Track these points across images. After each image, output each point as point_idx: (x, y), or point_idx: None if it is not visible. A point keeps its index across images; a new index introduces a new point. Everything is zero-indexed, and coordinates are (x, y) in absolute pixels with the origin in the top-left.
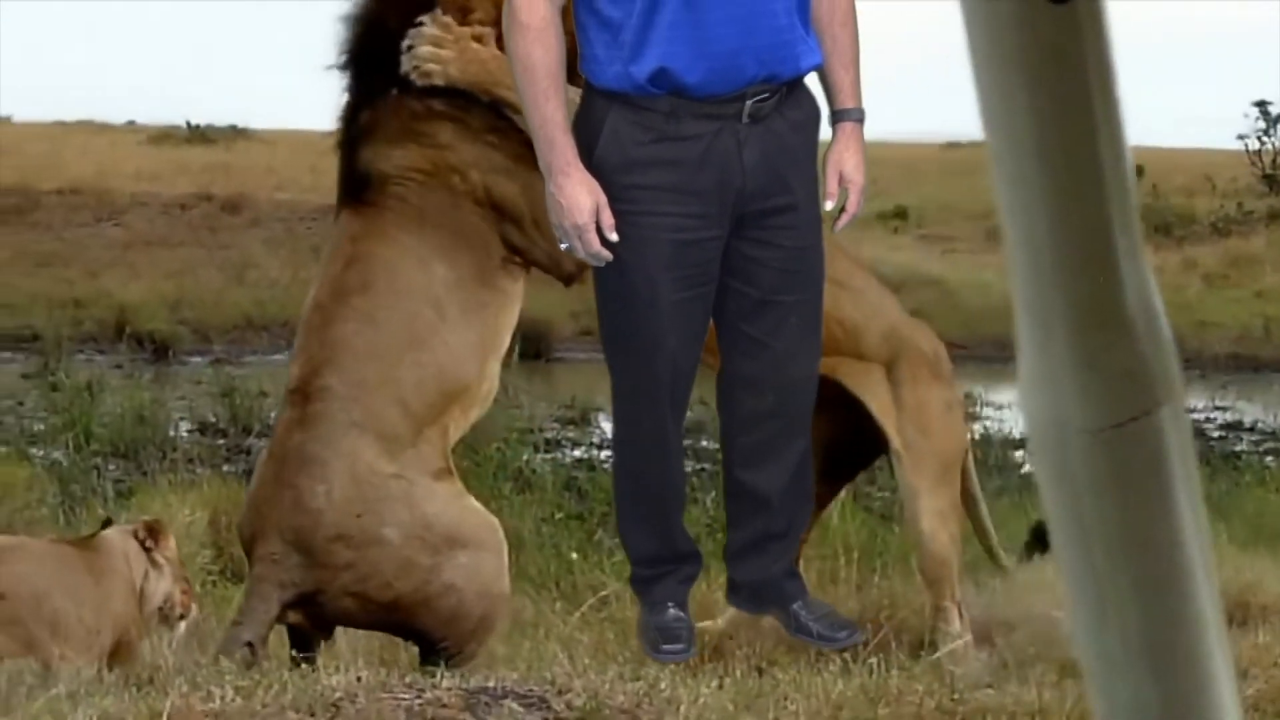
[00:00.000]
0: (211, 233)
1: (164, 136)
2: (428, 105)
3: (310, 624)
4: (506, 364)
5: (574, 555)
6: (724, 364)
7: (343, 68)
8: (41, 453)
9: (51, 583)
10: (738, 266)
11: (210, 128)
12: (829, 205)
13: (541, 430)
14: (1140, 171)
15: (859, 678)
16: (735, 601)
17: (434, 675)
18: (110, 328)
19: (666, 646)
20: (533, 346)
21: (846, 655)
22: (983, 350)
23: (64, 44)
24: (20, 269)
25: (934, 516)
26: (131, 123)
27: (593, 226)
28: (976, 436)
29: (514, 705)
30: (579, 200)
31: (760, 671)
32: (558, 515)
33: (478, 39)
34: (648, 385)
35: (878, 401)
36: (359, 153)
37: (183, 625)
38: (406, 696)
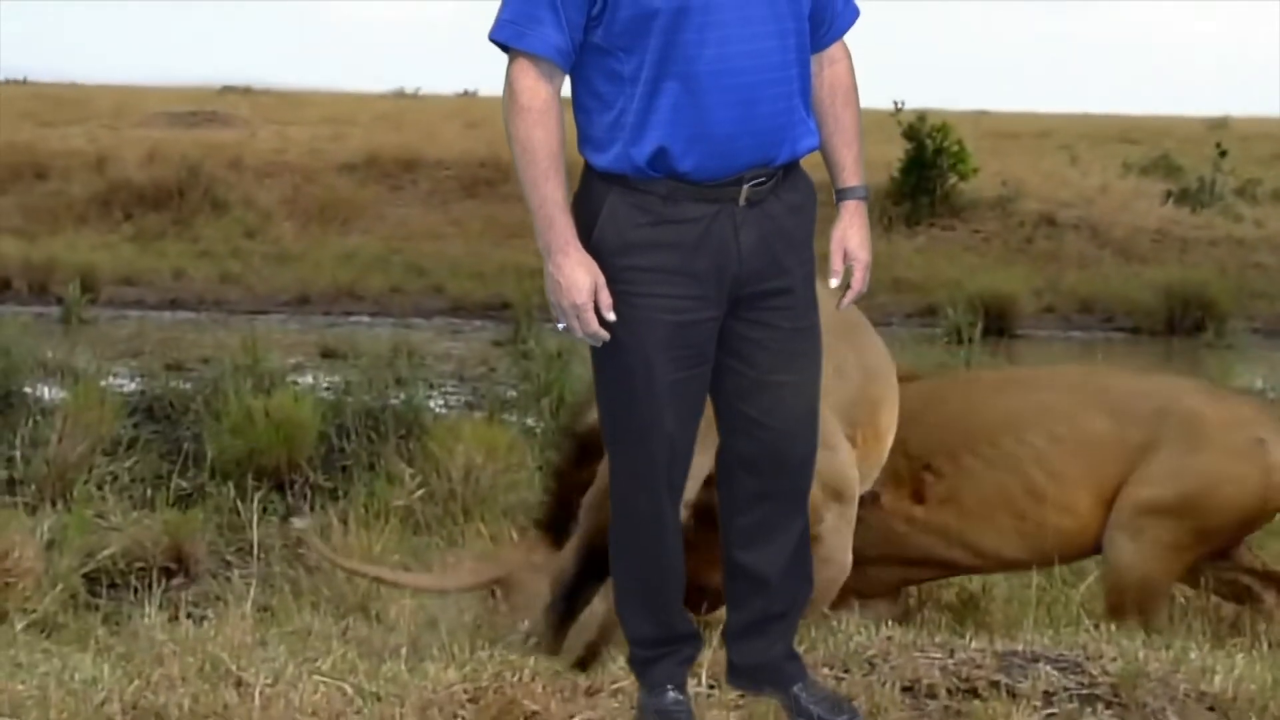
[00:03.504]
0: None
1: None
2: None
3: None
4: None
5: None
6: (722, 444)
7: None
8: (514, 418)
9: None
10: (735, 347)
11: None
12: (834, 283)
13: None
14: None
15: None
16: (735, 683)
17: (963, 637)
18: None
19: None
20: (995, 323)
21: None
22: None
23: None
24: (491, 239)
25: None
26: None
27: (591, 306)
28: None
29: (1048, 669)
30: (577, 280)
31: None
32: None
33: None
34: (644, 465)
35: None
36: None
37: None
38: (938, 656)
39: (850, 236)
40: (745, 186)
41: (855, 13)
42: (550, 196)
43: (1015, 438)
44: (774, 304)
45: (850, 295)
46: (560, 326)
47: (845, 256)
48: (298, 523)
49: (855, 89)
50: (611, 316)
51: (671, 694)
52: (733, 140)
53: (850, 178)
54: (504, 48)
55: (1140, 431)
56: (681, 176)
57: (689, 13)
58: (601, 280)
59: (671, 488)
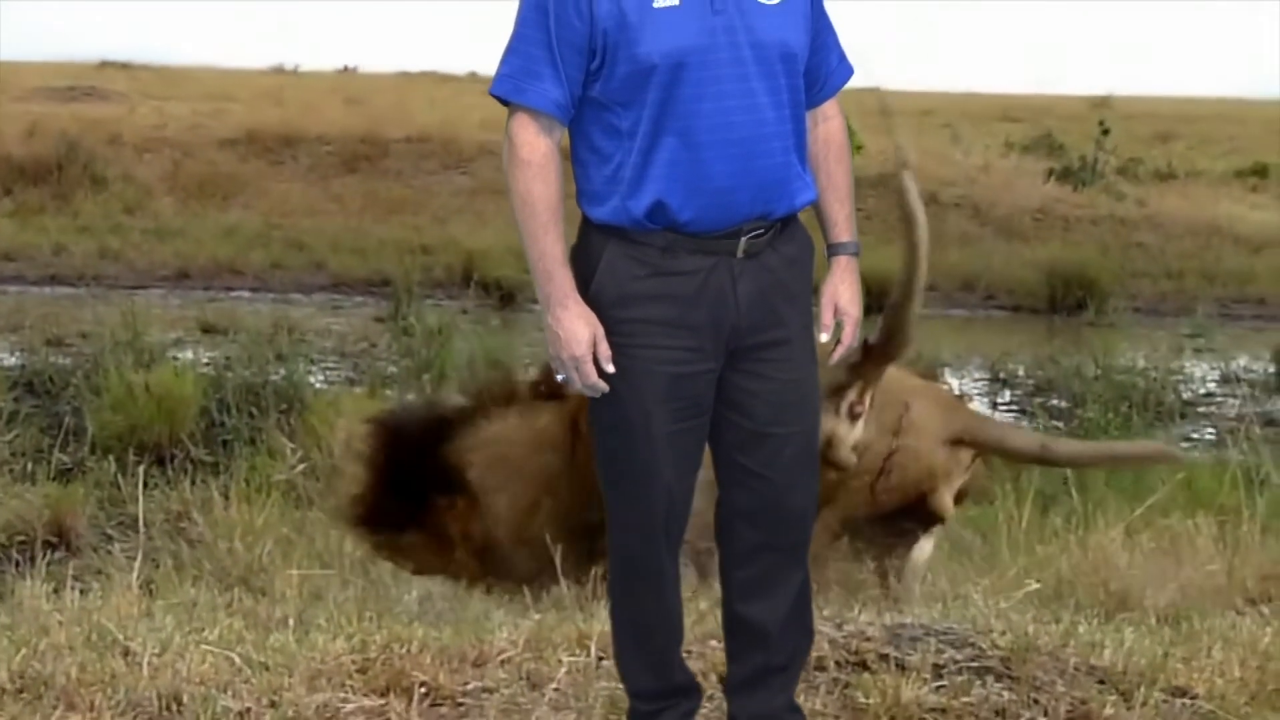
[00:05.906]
0: None
1: None
2: None
3: None
4: None
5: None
6: (721, 496)
7: None
8: (395, 394)
9: None
10: (732, 399)
11: None
12: (824, 337)
13: None
14: None
15: None
16: None
17: (853, 610)
18: (458, 274)
19: None
20: (877, 302)
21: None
22: None
23: None
24: (371, 216)
25: None
26: (473, 74)
27: (590, 358)
28: None
29: (938, 643)
30: (577, 332)
31: (1176, 620)
32: None
33: None
34: (643, 516)
35: None
36: None
37: None
38: (828, 629)
39: (841, 292)
40: (743, 239)
41: (849, 71)
42: (549, 250)
43: None
44: (771, 356)
45: (841, 350)
46: (559, 379)
47: (836, 312)
48: None
49: (848, 146)
50: (611, 368)
51: None
52: (730, 193)
53: (842, 233)
54: (504, 102)
55: None
56: (680, 228)
57: (686, 69)
58: (601, 332)
59: (669, 538)
